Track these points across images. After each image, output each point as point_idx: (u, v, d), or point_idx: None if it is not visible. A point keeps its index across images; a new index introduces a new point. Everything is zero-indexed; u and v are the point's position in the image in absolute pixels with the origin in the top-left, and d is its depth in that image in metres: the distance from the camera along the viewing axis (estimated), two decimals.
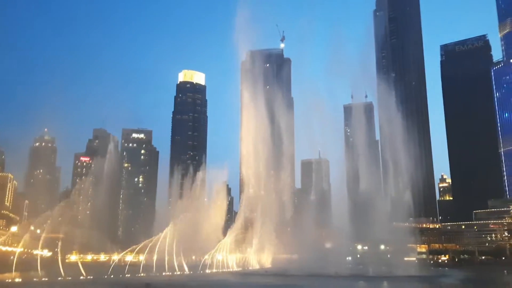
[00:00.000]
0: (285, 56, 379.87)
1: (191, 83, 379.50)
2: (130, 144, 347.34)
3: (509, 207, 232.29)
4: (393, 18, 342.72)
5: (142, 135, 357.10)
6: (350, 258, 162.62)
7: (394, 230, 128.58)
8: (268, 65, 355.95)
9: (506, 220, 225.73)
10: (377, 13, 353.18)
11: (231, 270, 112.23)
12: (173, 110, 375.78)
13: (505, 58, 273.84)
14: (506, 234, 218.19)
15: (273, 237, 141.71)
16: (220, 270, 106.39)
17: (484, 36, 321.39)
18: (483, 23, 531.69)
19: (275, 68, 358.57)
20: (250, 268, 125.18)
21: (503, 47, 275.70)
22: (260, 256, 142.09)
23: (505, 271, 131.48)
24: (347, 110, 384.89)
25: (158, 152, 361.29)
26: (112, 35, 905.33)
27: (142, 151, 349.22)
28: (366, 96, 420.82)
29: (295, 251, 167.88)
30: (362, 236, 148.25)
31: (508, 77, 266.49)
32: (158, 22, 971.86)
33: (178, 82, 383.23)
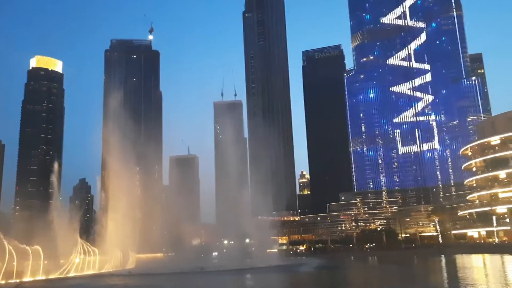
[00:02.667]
0: (154, 48, 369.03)
1: (46, 70, 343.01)
2: None
3: (356, 200, 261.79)
4: (261, 21, 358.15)
5: None
6: (216, 253, 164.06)
7: (258, 224, 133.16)
8: (135, 56, 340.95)
9: (353, 211, 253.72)
10: (246, 15, 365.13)
11: (89, 273, 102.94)
12: (23, 99, 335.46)
13: (356, 67, 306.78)
14: (353, 223, 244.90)
15: (137, 235, 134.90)
16: (78, 274, 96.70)
17: (339, 45, 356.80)
18: (341, 33, 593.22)
19: (143, 60, 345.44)
20: (111, 270, 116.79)
21: (354, 57, 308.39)
22: (123, 256, 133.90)
23: (352, 257, 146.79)
24: (217, 107, 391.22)
25: (4, 145, 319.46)
26: None
27: None
28: (235, 95, 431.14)
29: (162, 250, 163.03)
30: (229, 230, 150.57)
31: (357, 85, 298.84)
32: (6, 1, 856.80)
33: (30, 68, 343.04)
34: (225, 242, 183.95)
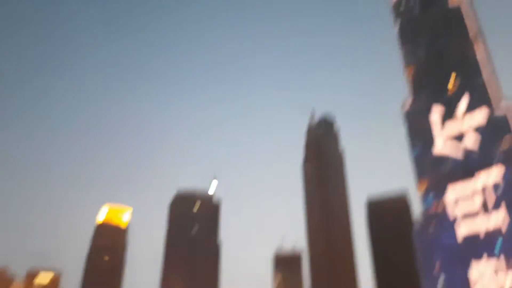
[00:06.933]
0: (215, 198, 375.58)
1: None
2: None
3: None
4: (320, 170, 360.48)
5: None
6: None
7: None
8: (197, 208, 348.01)
9: None
10: (305, 164, 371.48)
11: None
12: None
13: (424, 216, 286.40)
14: None
15: None
16: None
17: (404, 191, 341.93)
18: (405, 173, 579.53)
19: (204, 213, 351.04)
20: None
21: (422, 204, 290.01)
22: None
23: None
24: (278, 259, 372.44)
25: None
26: None
27: None
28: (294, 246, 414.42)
29: None
30: None
31: (426, 236, 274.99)
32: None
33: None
34: None
